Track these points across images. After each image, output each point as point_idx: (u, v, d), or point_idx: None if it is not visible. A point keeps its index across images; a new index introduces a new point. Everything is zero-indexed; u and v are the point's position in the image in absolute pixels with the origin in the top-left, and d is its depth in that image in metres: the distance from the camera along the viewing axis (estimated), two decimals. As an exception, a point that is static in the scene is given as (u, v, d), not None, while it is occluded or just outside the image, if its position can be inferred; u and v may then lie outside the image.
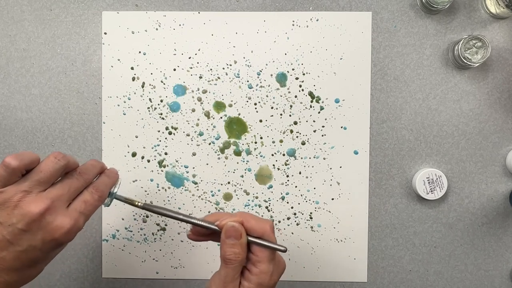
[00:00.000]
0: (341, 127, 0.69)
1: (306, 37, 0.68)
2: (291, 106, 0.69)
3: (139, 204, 0.51)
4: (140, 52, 0.69)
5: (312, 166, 0.69)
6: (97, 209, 0.69)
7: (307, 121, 0.69)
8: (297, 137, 0.69)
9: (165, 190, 0.69)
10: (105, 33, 0.69)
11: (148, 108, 0.69)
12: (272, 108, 0.69)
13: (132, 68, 0.69)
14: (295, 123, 0.69)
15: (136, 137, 0.69)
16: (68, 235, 0.45)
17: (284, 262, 0.51)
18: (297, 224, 0.69)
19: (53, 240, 0.44)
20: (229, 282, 0.48)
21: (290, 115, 0.69)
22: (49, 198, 0.44)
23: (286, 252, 0.49)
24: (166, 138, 0.69)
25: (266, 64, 0.68)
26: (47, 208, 0.44)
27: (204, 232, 0.51)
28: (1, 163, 0.44)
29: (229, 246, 0.48)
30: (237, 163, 0.69)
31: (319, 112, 0.69)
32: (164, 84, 0.69)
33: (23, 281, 0.46)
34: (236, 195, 0.69)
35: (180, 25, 0.69)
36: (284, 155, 0.69)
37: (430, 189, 0.67)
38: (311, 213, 0.69)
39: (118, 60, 0.69)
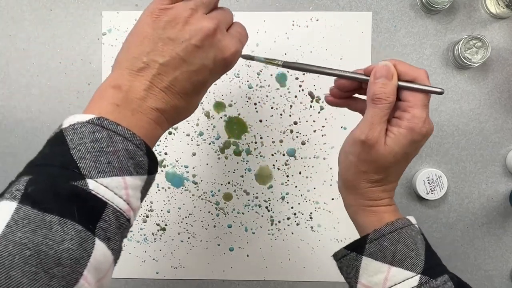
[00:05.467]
0: (341, 127, 0.69)
1: (306, 37, 0.68)
2: (291, 106, 0.69)
3: (279, 62, 0.50)
4: (140, 52, 0.68)
5: (312, 166, 0.69)
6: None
7: (307, 121, 0.69)
8: (297, 137, 0.69)
9: (165, 190, 0.69)
10: (105, 33, 0.69)
11: (148, 108, 0.69)
12: (272, 108, 0.69)
13: (132, 68, 0.69)
14: (295, 123, 0.69)
15: (136, 137, 0.69)
16: (234, 56, 0.44)
17: (433, 124, 0.46)
18: (297, 224, 0.69)
19: (223, 60, 0.43)
20: (376, 124, 0.44)
21: (290, 115, 0.69)
22: (216, 18, 0.43)
23: (443, 94, 0.45)
24: (166, 138, 0.69)
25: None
26: (217, 27, 0.42)
27: (347, 87, 0.49)
28: None
29: (379, 86, 0.45)
30: (237, 163, 0.69)
31: (319, 112, 0.69)
32: (164, 84, 0.69)
33: (187, 110, 0.44)
34: (236, 195, 0.69)
35: (180, 25, 0.68)
36: (284, 155, 0.69)
37: (430, 189, 0.67)
38: (311, 213, 0.69)
39: (118, 60, 0.69)
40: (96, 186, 0.36)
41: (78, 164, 0.36)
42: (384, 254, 0.44)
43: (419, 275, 0.43)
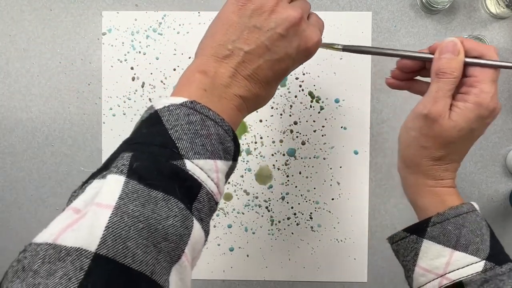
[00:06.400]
0: (341, 127, 0.69)
1: (306, 37, 0.68)
2: (291, 106, 0.69)
3: (339, 46, 0.49)
4: (140, 52, 0.69)
5: (312, 166, 0.69)
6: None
7: (307, 121, 0.69)
8: (297, 137, 0.69)
9: (165, 190, 0.69)
10: (105, 33, 0.69)
11: (148, 108, 0.69)
12: (272, 108, 0.69)
13: (132, 68, 0.69)
14: (295, 123, 0.69)
15: (136, 137, 0.69)
16: (317, 46, 0.44)
17: (501, 104, 0.45)
18: (297, 224, 0.69)
19: (306, 49, 0.43)
20: (440, 98, 0.44)
21: (290, 115, 0.69)
22: (300, 7, 0.43)
23: None
24: (166, 138, 0.69)
25: (266, 64, 0.68)
26: (301, 16, 0.42)
27: (410, 68, 0.49)
28: None
29: (444, 61, 0.44)
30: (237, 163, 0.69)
31: (319, 112, 0.69)
32: (164, 84, 0.69)
33: (265, 98, 0.44)
34: (236, 195, 0.69)
35: (180, 25, 0.69)
36: (284, 155, 0.69)
37: (430, 189, 0.67)
38: (311, 213, 0.69)
39: (118, 60, 0.69)
40: (193, 167, 0.36)
41: (177, 144, 0.36)
42: (447, 238, 0.44)
43: (484, 261, 0.43)
